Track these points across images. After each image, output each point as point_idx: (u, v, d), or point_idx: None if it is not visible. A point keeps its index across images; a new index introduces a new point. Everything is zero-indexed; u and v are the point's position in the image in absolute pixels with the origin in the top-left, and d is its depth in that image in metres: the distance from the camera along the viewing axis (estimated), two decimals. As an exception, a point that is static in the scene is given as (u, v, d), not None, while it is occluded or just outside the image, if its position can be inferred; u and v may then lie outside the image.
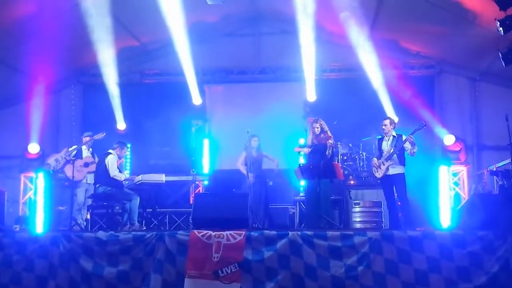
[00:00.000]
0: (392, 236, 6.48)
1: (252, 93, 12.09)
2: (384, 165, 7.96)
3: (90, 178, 9.08)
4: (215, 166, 11.70)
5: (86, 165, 8.87)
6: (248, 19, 12.14)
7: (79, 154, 8.99)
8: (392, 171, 7.93)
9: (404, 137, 7.90)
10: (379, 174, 8.06)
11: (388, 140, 8.12)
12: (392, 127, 8.15)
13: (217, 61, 12.12)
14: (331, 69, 11.87)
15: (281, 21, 11.84)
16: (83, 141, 9.15)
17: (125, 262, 6.70)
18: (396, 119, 9.38)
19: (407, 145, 7.87)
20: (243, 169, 9.20)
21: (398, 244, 6.43)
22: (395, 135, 8.11)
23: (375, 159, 8.19)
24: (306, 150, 8.55)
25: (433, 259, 6.36)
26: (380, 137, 8.38)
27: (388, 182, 8.04)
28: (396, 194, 8.15)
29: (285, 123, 11.49)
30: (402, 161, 7.97)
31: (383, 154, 8.05)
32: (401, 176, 7.94)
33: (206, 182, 11.03)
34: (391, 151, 7.93)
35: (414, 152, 7.89)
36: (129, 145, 10.95)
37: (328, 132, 8.42)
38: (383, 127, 8.16)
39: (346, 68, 11.77)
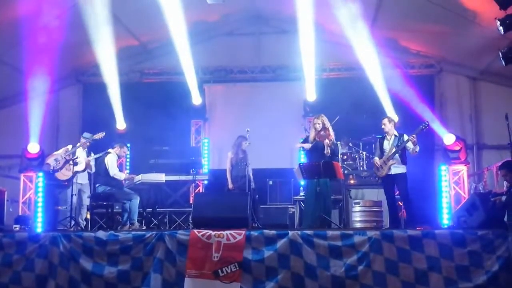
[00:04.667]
0: (392, 236, 6.49)
1: (252, 92, 12.10)
2: (386, 164, 7.96)
3: (81, 178, 9.00)
4: (215, 165, 11.70)
5: (75, 164, 8.79)
6: (248, 18, 12.15)
7: (73, 154, 8.96)
8: (394, 170, 7.93)
9: (406, 137, 7.90)
10: (381, 173, 8.06)
11: (390, 139, 8.12)
12: (392, 126, 8.15)
13: (217, 61, 12.12)
14: (331, 69, 11.87)
15: (281, 20, 11.84)
16: (81, 142, 9.10)
17: (125, 262, 6.71)
18: (396, 118, 9.38)
19: (409, 145, 7.86)
20: (229, 175, 9.24)
21: (398, 244, 6.45)
22: (397, 134, 8.10)
23: (376, 158, 8.18)
24: (307, 145, 8.53)
25: (433, 258, 6.37)
26: (380, 136, 8.37)
27: (390, 181, 8.04)
28: (397, 194, 8.17)
29: (285, 123, 11.50)
30: (404, 161, 7.97)
31: (385, 154, 8.04)
32: (403, 176, 7.94)
33: (205, 182, 11.02)
34: (393, 151, 7.92)
35: (416, 151, 7.89)
36: (128, 145, 10.92)
37: (330, 129, 8.36)
38: (383, 126, 8.17)
39: (346, 68, 11.78)
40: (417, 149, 7.88)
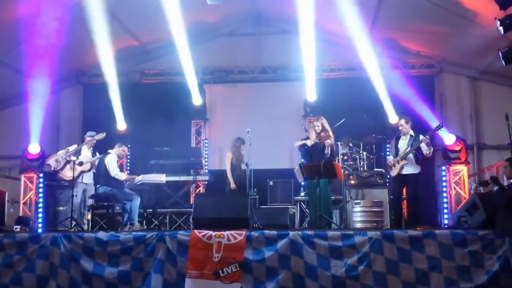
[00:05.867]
0: (392, 236, 6.50)
1: (252, 93, 12.10)
2: (399, 163, 7.98)
3: (87, 178, 9.00)
4: (215, 166, 11.70)
5: (81, 164, 8.78)
6: (248, 19, 12.14)
7: (78, 153, 8.96)
8: (406, 170, 7.98)
9: (421, 137, 7.92)
10: (393, 172, 8.11)
11: (405, 139, 8.15)
12: (409, 126, 8.19)
13: (217, 61, 12.11)
14: (331, 69, 11.87)
15: (281, 20, 11.84)
16: (86, 141, 9.12)
17: (126, 262, 6.72)
18: (396, 119, 9.39)
19: (423, 146, 7.88)
20: (230, 176, 9.26)
21: (398, 244, 6.46)
22: (413, 134, 8.13)
23: (390, 157, 8.25)
24: (309, 142, 8.57)
25: (434, 258, 6.38)
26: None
27: (401, 181, 8.08)
28: (405, 194, 8.20)
29: (285, 123, 11.51)
30: (418, 161, 7.99)
31: (399, 153, 8.07)
32: (415, 176, 7.98)
33: (206, 182, 11.03)
34: (407, 151, 7.94)
35: (429, 153, 7.90)
36: (129, 145, 10.92)
37: (329, 131, 8.42)
38: (400, 127, 8.23)
39: (346, 68, 11.78)
40: (431, 150, 7.91)
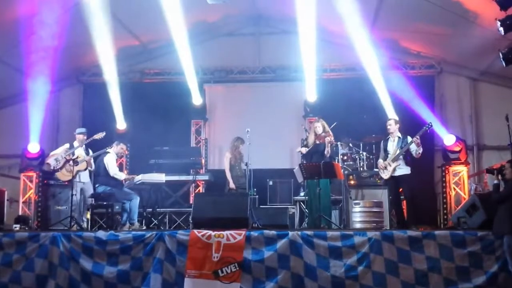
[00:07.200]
0: (392, 236, 6.50)
1: (252, 92, 12.10)
2: (390, 166, 7.96)
3: (83, 177, 8.93)
4: (215, 166, 11.70)
5: (76, 163, 8.73)
6: (248, 19, 12.15)
7: (73, 154, 8.91)
8: (399, 171, 7.94)
9: (410, 139, 7.91)
10: (385, 175, 8.07)
11: (394, 141, 8.13)
12: (397, 128, 8.17)
13: (217, 61, 12.11)
14: (331, 69, 11.86)
15: (281, 21, 11.84)
16: (77, 139, 9.00)
17: (125, 262, 6.73)
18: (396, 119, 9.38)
19: (413, 147, 7.87)
20: (229, 175, 9.27)
21: (398, 244, 6.47)
22: (400, 136, 8.11)
23: (380, 160, 8.20)
24: (303, 149, 8.69)
25: (433, 259, 6.40)
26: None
27: (395, 183, 8.06)
28: (402, 194, 8.20)
29: (285, 123, 11.51)
30: (407, 162, 7.99)
31: (389, 155, 8.05)
32: (408, 176, 7.96)
33: (205, 182, 11.02)
34: (397, 153, 7.93)
35: (419, 153, 7.89)
36: (128, 145, 10.92)
37: (330, 132, 8.49)
38: (388, 127, 8.19)
39: (346, 68, 11.77)
40: (420, 150, 7.88)
